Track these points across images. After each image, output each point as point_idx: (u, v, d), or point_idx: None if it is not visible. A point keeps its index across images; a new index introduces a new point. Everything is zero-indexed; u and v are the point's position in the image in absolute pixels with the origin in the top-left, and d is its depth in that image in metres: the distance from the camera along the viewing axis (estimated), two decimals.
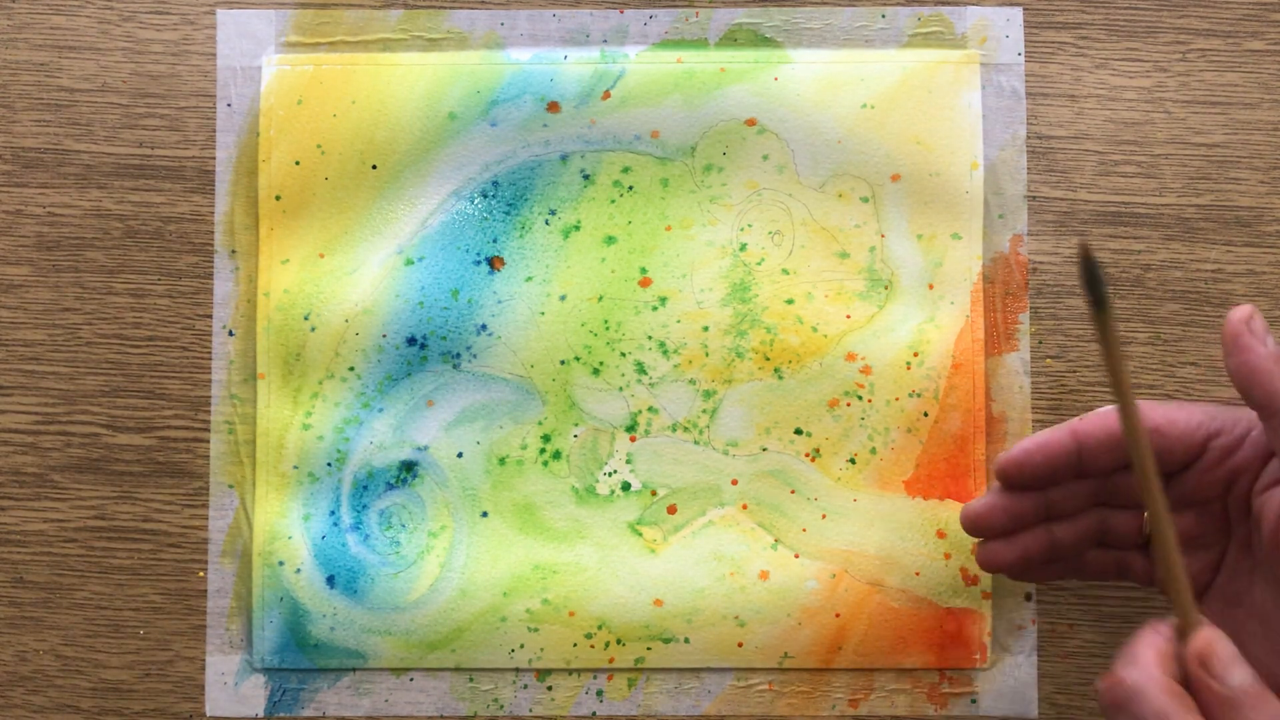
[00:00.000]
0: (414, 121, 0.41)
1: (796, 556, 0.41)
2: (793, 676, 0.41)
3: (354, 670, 0.41)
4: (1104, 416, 0.34)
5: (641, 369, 0.41)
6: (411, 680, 0.41)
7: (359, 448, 0.41)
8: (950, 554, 0.41)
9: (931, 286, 0.41)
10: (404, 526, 0.41)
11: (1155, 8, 0.42)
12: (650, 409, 0.41)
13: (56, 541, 0.41)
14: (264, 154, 0.41)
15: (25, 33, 0.42)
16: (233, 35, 0.42)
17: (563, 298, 0.41)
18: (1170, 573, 0.30)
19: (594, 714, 0.41)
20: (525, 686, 0.41)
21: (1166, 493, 0.30)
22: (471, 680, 0.41)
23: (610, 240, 0.42)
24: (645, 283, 0.41)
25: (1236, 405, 0.34)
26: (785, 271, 0.41)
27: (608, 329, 0.41)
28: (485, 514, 0.41)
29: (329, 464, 0.41)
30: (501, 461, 0.41)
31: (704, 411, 0.41)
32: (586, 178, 0.42)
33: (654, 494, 0.41)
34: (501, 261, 0.42)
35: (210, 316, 0.42)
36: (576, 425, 0.41)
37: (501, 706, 0.41)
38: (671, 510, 0.41)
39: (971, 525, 0.36)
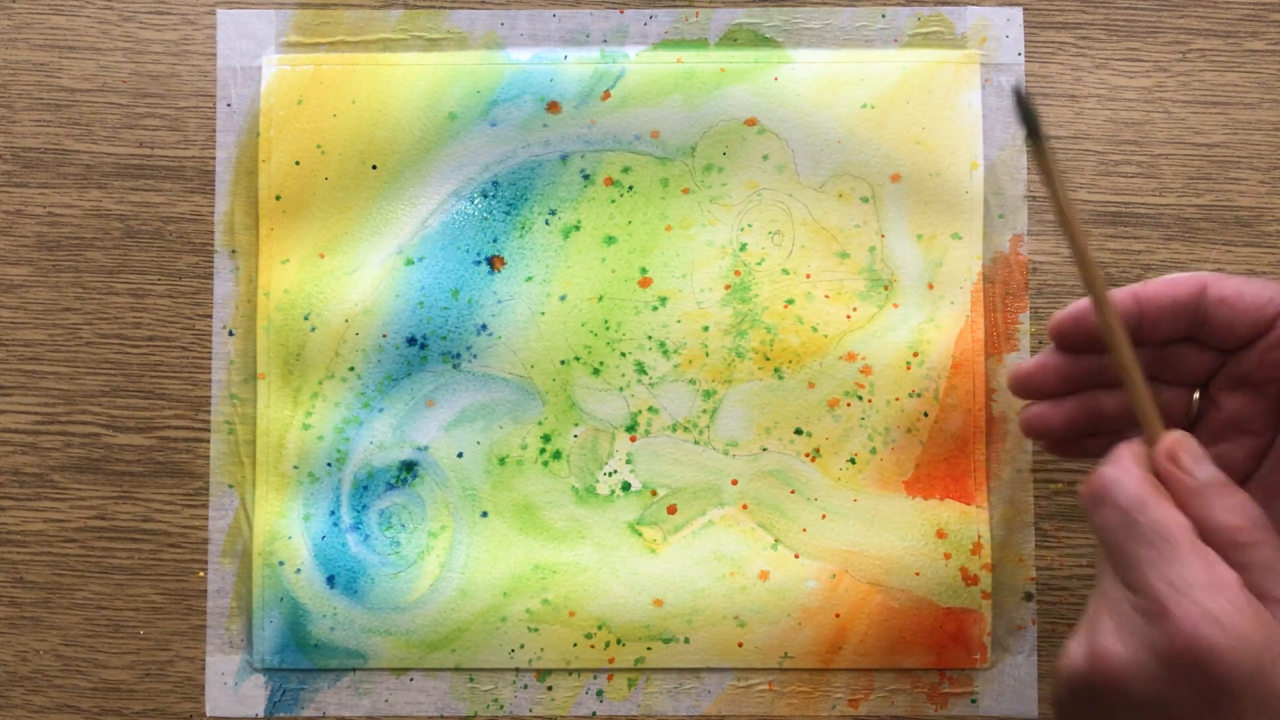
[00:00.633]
0: (414, 121, 0.41)
1: (796, 556, 0.41)
2: (793, 676, 0.41)
3: (354, 670, 0.41)
4: (1170, 284, 0.32)
5: (641, 369, 0.41)
6: (411, 680, 0.41)
7: (359, 448, 0.41)
8: (950, 554, 0.41)
9: (931, 286, 0.41)
10: (404, 526, 0.41)
11: (1155, 8, 0.42)
12: (650, 409, 0.41)
13: (56, 541, 0.41)
14: (264, 154, 0.41)
15: (25, 33, 0.42)
16: (233, 35, 0.42)
17: (563, 298, 0.41)
18: (1134, 389, 0.30)
19: (594, 714, 0.41)
20: (525, 686, 0.41)
21: (1225, 373, 0.30)
22: (471, 680, 0.41)
23: (610, 240, 0.42)
24: (645, 283, 0.41)
25: None
26: (785, 271, 0.41)
27: (608, 329, 0.41)
28: (485, 514, 0.41)
29: (329, 464, 0.41)
30: (501, 461, 0.41)
31: (704, 411, 0.41)
32: (586, 178, 0.42)
33: (654, 494, 0.41)
34: (501, 261, 0.42)
35: (210, 316, 0.42)
36: (576, 425, 0.41)
37: (501, 706, 0.41)
38: (671, 510, 0.41)
39: (1020, 385, 0.34)
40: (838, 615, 0.41)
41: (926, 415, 0.41)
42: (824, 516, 0.41)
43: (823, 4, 0.42)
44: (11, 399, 0.42)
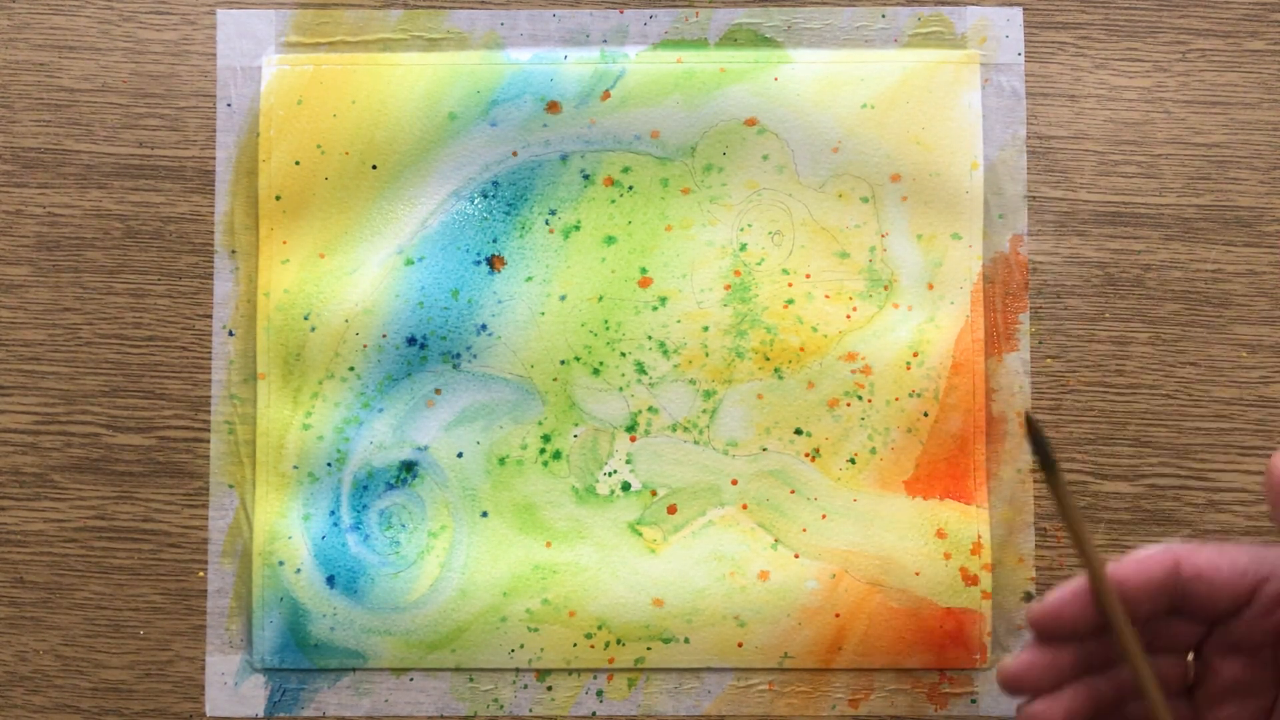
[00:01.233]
0: (414, 121, 0.41)
1: (796, 556, 0.41)
2: (793, 676, 0.41)
3: (354, 670, 0.41)
4: (1141, 565, 0.31)
5: (641, 369, 0.41)
6: (411, 680, 0.41)
7: (359, 448, 0.41)
8: (950, 554, 0.41)
9: (931, 286, 0.41)
10: (404, 526, 0.41)
11: (1155, 8, 0.42)
12: (650, 409, 0.41)
13: (56, 541, 0.42)
14: (264, 154, 0.41)
15: (25, 33, 0.42)
16: (233, 35, 0.42)
17: (563, 298, 0.41)
18: (1144, 686, 0.30)
19: (594, 714, 0.41)
20: (525, 686, 0.41)
21: (1216, 639, 0.30)
22: (471, 680, 0.41)
23: (610, 240, 0.42)
24: (645, 283, 0.41)
25: None
26: (785, 271, 0.41)
27: (608, 329, 0.41)
28: (485, 514, 0.41)
29: (329, 464, 0.41)
30: (501, 461, 0.41)
31: (704, 411, 0.41)
32: (586, 178, 0.42)
33: (654, 494, 0.41)
34: (502, 261, 0.42)
35: (210, 316, 0.42)
36: (576, 425, 0.41)
37: (501, 706, 0.41)
38: (671, 510, 0.41)
39: (1012, 685, 0.32)
40: (838, 615, 0.41)
41: (926, 415, 0.41)
42: (824, 516, 0.41)
43: (823, 4, 0.42)
44: (11, 399, 0.42)
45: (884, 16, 0.42)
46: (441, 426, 0.41)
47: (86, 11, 0.42)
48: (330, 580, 0.41)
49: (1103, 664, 0.32)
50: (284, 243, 0.41)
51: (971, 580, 0.41)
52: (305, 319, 0.41)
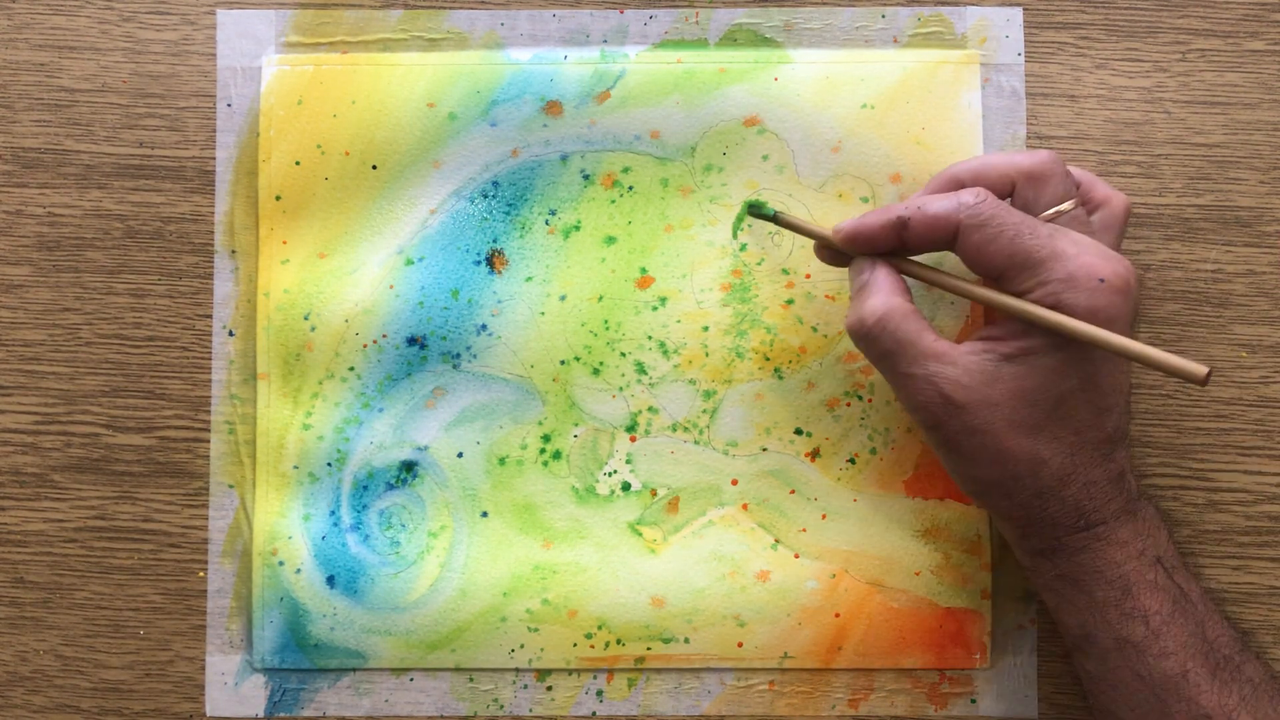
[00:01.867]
0: (414, 121, 0.41)
1: (796, 556, 0.41)
2: (793, 676, 0.41)
3: (354, 670, 0.41)
4: (876, 218, 0.37)
5: (641, 369, 0.41)
6: (411, 680, 0.41)
7: (359, 448, 0.41)
8: (950, 554, 0.41)
9: (930, 289, 0.41)
10: (404, 526, 0.41)
11: (1155, 8, 0.42)
12: (650, 409, 0.41)
13: (56, 541, 0.41)
14: (264, 154, 0.41)
15: (25, 33, 0.42)
16: (233, 35, 0.42)
17: (563, 298, 0.41)
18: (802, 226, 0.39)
19: (594, 714, 0.41)
20: (525, 686, 0.41)
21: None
22: (471, 680, 0.41)
23: (610, 240, 0.42)
24: (645, 283, 0.41)
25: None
26: (785, 271, 0.41)
27: (608, 329, 0.41)
28: (485, 514, 0.41)
29: (329, 464, 0.41)
30: (501, 461, 0.41)
31: (704, 411, 0.41)
32: (586, 178, 0.42)
33: (654, 494, 0.41)
34: (502, 261, 0.42)
35: (210, 316, 0.42)
36: (576, 425, 0.41)
37: (501, 706, 0.41)
38: (671, 510, 0.41)
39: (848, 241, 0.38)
40: (838, 615, 0.41)
41: None
42: (824, 516, 0.41)
43: (823, 4, 0.42)
44: (11, 399, 0.42)
45: (884, 16, 0.42)
46: (441, 426, 0.41)
47: (86, 11, 0.42)
48: (330, 580, 0.41)
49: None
50: (284, 243, 0.41)
51: (971, 580, 0.41)
52: (305, 319, 0.41)
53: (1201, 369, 0.32)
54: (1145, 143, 0.42)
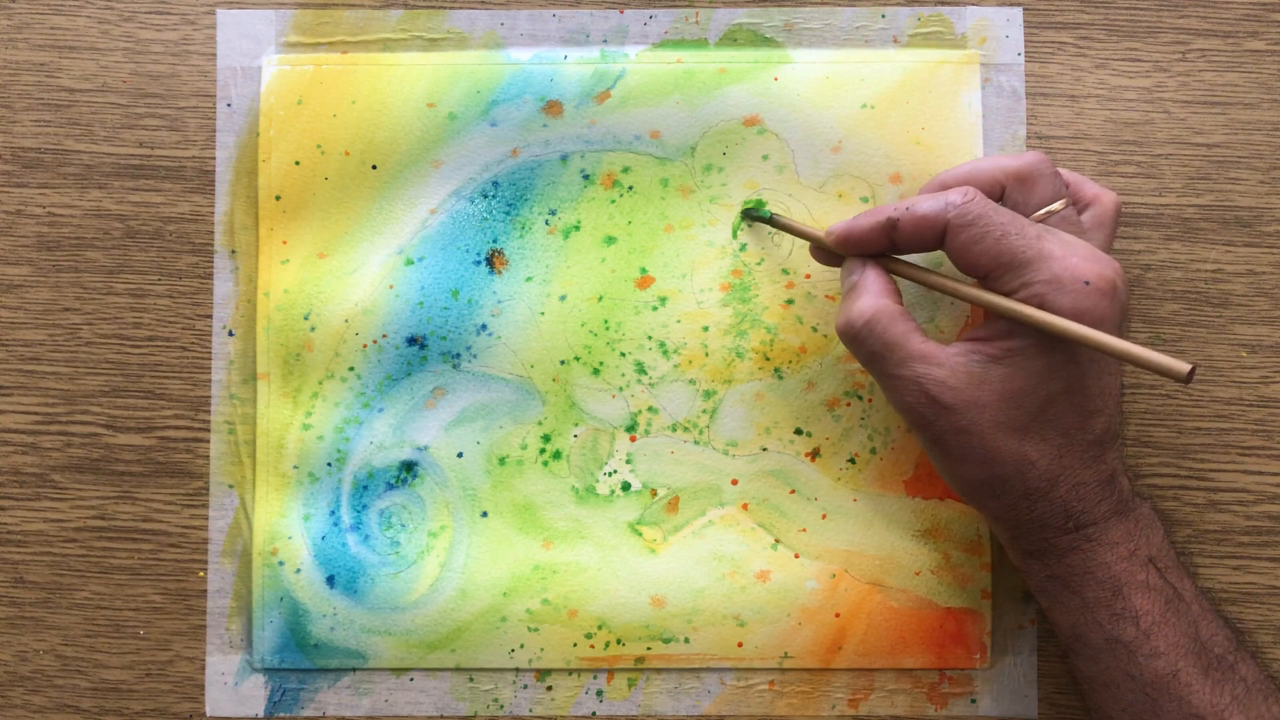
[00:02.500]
0: (414, 121, 0.41)
1: (796, 556, 0.41)
2: (793, 676, 0.41)
3: (354, 670, 0.41)
4: (866, 220, 0.37)
5: (641, 369, 0.41)
6: (411, 680, 0.41)
7: (359, 448, 0.41)
8: (950, 553, 0.41)
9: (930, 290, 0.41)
10: (404, 526, 0.41)
11: (1155, 8, 0.42)
12: (650, 409, 0.41)
13: (56, 541, 0.41)
14: (264, 154, 0.41)
15: (25, 33, 0.42)
16: (233, 35, 0.42)
17: (563, 298, 0.41)
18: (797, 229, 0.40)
19: (594, 714, 0.41)
20: (525, 686, 0.41)
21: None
22: (471, 680, 0.41)
23: (610, 240, 0.42)
24: (645, 283, 0.41)
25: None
26: (785, 271, 0.41)
27: (608, 329, 0.41)
28: (485, 514, 0.41)
29: (329, 464, 0.41)
30: (501, 461, 0.41)
31: (704, 411, 0.41)
32: (586, 178, 0.42)
33: (654, 494, 0.41)
34: (502, 261, 0.42)
35: (210, 316, 0.42)
36: (576, 425, 0.41)
37: (501, 706, 0.41)
38: (671, 510, 0.41)
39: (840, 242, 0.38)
40: (838, 615, 0.41)
41: None
42: (824, 516, 0.41)
43: (823, 4, 0.42)
44: (11, 399, 0.42)
45: (884, 16, 0.42)
46: (441, 426, 0.41)
47: (86, 11, 0.42)
48: (330, 580, 0.41)
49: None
50: (284, 243, 0.41)
51: (971, 580, 0.41)
52: (305, 319, 0.41)
53: (1184, 366, 0.32)
54: (1145, 143, 0.42)
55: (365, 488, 0.41)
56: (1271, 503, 0.41)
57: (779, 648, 0.41)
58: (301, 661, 0.41)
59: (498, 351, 0.41)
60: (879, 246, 0.37)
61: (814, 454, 0.41)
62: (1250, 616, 0.41)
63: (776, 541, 0.41)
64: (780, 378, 0.41)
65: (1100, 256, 0.34)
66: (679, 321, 0.41)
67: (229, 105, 0.42)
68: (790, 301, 0.41)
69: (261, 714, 0.41)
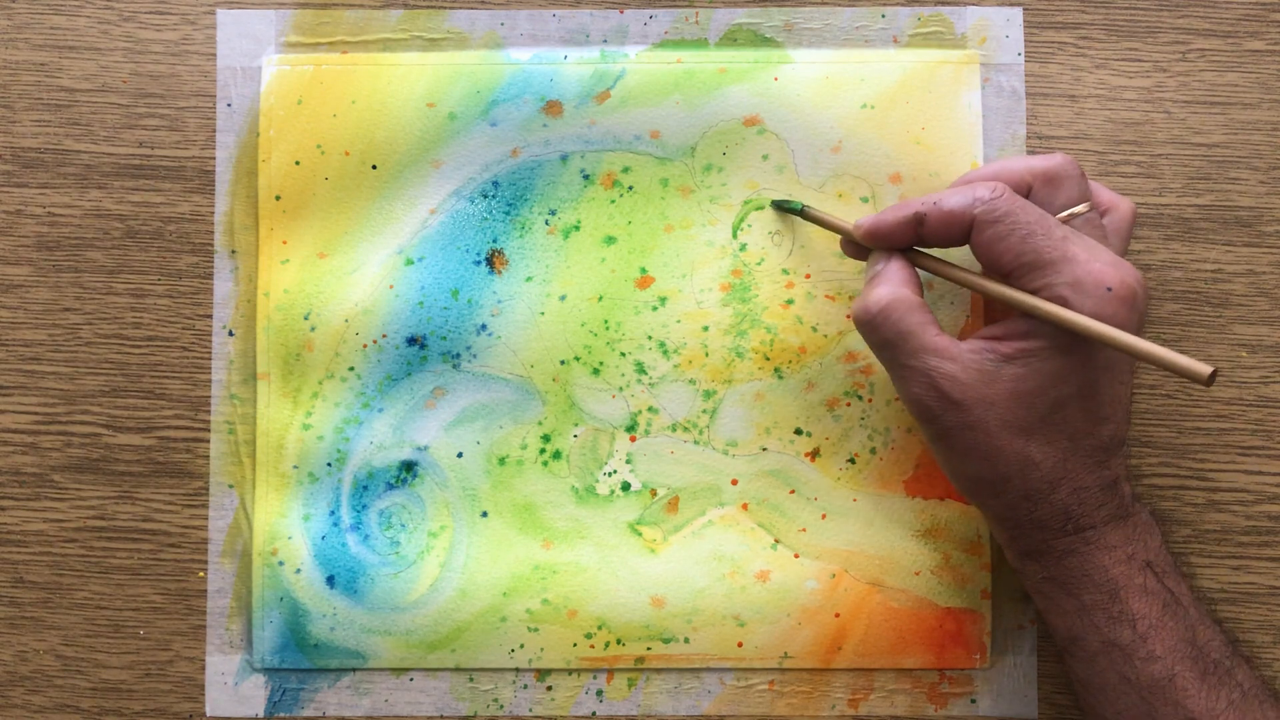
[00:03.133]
0: (414, 121, 0.41)
1: (796, 556, 0.41)
2: (793, 676, 0.41)
3: (354, 670, 0.41)
4: (894, 215, 0.37)
5: (641, 369, 0.41)
6: (411, 680, 0.41)
7: (359, 448, 0.41)
8: (950, 553, 0.41)
9: (931, 286, 0.41)
10: (404, 526, 0.41)
11: (1155, 8, 0.42)
12: (650, 409, 0.41)
13: (56, 541, 0.42)
14: (264, 154, 0.41)
15: (25, 33, 0.42)
16: (233, 35, 0.42)
17: (563, 298, 0.41)
18: (826, 223, 0.40)
19: (594, 714, 0.41)
20: (525, 686, 0.41)
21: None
22: (471, 680, 0.41)
23: (610, 240, 0.42)
24: (645, 283, 0.41)
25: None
26: (785, 271, 0.41)
27: (608, 329, 0.41)
28: (485, 514, 0.41)
29: (329, 464, 0.41)
30: (501, 461, 0.41)
31: (704, 411, 0.41)
32: (586, 178, 0.42)
33: (654, 494, 0.41)
34: (502, 261, 0.42)
35: (210, 316, 0.42)
36: (576, 425, 0.41)
37: (501, 706, 0.41)
38: (671, 510, 0.41)
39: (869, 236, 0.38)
40: (837, 615, 0.41)
41: None
42: (824, 516, 0.41)
43: (823, 4, 0.42)
44: (11, 399, 0.42)
45: (884, 16, 0.42)
46: (441, 426, 0.41)
47: (86, 11, 0.42)
48: (330, 580, 0.41)
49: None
50: (284, 243, 0.41)
51: (971, 580, 0.41)
52: (305, 319, 0.41)
53: (1205, 369, 0.32)
54: (1145, 143, 0.42)
55: (365, 488, 0.41)
56: (1271, 503, 0.41)
57: (779, 648, 0.41)
58: (301, 661, 0.41)
59: (498, 351, 0.41)
60: (906, 241, 0.37)
61: (814, 454, 0.41)
62: (1250, 616, 0.41)
63: (776, 541, 0.41)
64: (780, 378, 0.41)
65: (1122, 264, 0.34)
66: (679, 321, 0.41)
67: (229, 105, 0.42)
68: (790, 301, 0.41)
69: (261, 714, 0.41)
